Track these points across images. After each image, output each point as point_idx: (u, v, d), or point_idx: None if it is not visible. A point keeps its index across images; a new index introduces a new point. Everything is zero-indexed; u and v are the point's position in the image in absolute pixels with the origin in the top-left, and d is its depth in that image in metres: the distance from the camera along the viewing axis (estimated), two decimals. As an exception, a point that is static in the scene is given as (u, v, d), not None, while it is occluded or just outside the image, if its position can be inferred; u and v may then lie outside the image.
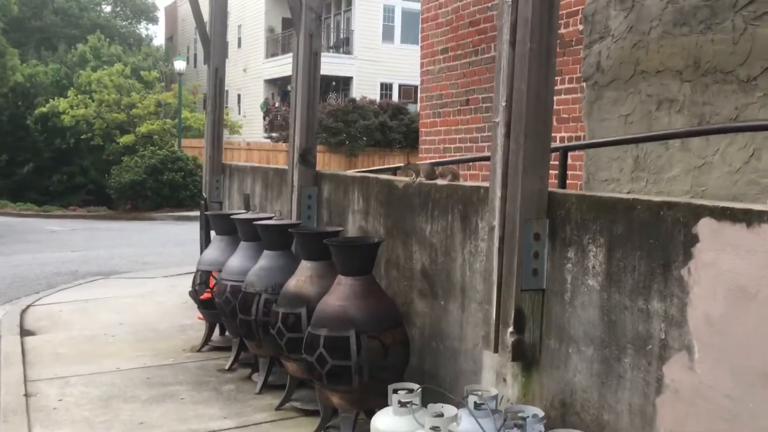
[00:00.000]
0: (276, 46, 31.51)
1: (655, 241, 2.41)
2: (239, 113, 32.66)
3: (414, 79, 30.60)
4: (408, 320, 3.80)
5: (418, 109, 8.24)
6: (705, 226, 2.24)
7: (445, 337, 3.57)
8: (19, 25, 32.55)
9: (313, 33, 4.90)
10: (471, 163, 6.62)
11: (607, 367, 2.60)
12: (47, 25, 35.94)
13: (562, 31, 6.04)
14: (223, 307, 4.73)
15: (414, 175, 3.84)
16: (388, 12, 30.14)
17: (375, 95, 27.99)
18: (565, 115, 5.97)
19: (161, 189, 19.83)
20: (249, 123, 30.50)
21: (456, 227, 3.49)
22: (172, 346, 5.44)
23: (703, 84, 4.89)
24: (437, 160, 6.21)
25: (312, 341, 3.44)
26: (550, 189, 2.90)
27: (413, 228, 3.84)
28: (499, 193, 2.92)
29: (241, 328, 4.45)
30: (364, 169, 5.71)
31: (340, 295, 3.45)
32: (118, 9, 43.00)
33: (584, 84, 5.85)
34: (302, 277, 3.94)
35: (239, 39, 33.81)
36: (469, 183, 3.48)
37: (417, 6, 30.47)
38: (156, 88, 26.82)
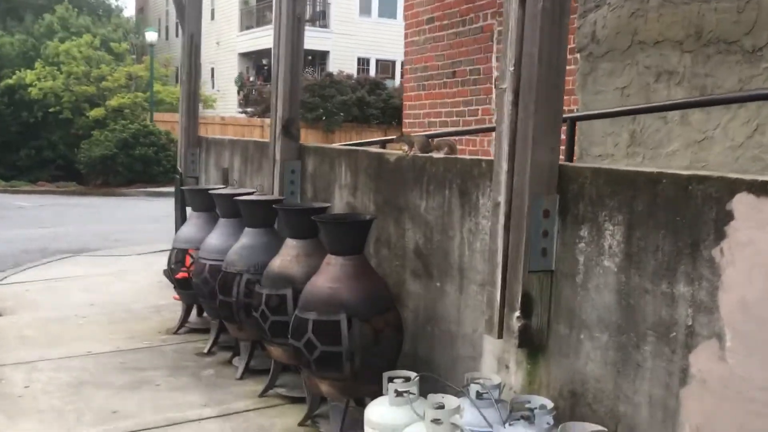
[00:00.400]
0: (251, 18, 30.86)
1: (681, 218, 2.20)
2: (213, 87, 32.02)
3: (392, 53, 30.29)
4: (400, 302, 3.57)
5: (402, 81, 7.97)
6: (741, 202, 2.04)
7: (442, 321, 3.36)
8: (-17, -6, 31.48)
9: (297, -4, 4.61)
10: (464, 137, 6.38)
11: (624, 355, 2.40)
12: (13, -5, 34.78)
13: (555, -1, 5.80)
14: (201, 288, 4.47)
15: (408, 148, 3.60)
16: (366, -15, 29.63)
17: (352, 70, 27.57)
18: (557, 88, 5.76)
19: (133, 164, 19.33)
20: (223, 98, 29.91)
21: (454, 203, 3.26)
22: (147, 328, 5.16)
23: (705, 55, 4.69)
24: (431, 132, 5.92)
25: (299, 325, 3.21)
26: (560, 162, 2.68)
27: (406, 204, 3.60)
28: (505, 166, 2.69)
29: (221, 310, 4.20)
30: (350, 143, 5.45)
31: (329, 276, 3.21)
32: (87, -21, 41.72)
33: (578, 55, 5.63)
34: (287, 257, 3.69)
35: (212, 11, 33.03)
36: (468, 156, 3.24)
37: (395, -21, 30.00)
38: (127, 61, 26.10)
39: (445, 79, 7.14)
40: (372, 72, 29.08)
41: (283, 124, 4.67)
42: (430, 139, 3.58)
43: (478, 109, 6.70)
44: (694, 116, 4.80)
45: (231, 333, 4.31)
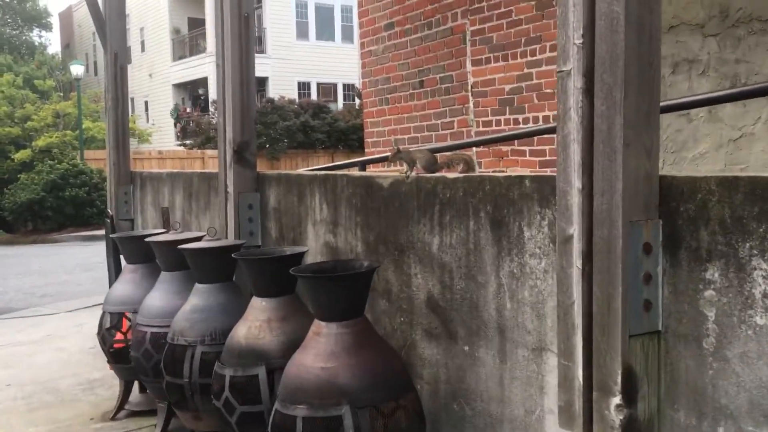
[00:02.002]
0: (183, 47, 29.70)
1: None
2: (148, 121, 30.63)
3: (333, 76, 29.49)
4: (411, 372, 2.68)
5: (362, 96, 7.13)
6: None
7: (475, 398, 2.47)
8: None
9: (242, -10, 3.71)
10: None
11: (804, 459, 1.56)
12: (-74, 36, 32.85)
13: (540, -11, 5.06)
14: (142, 364, 3.48)
15: (407, 168, 2.73)
16: (301, 8, 28.83)
17: (293, 95, 26.66)
18: (548, 90, 5.00)
19: (63, 207, 17.90)
20: (159, 131, 28.55)
21: (484, 238, 2.39)
22: (76, 414, 4.12)
23: (735, 37, 3.97)
24: (437, 145, 4.92)
25: (283, 425, 2.27)
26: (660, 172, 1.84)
27: (410, 241, 2.72)
28: (577, 183, 1.84)
29: (170, 393, 3.22)
30: (320, 166, 4.56)
31: (321, 351, 2.29)
32: (7, 17, 39.85)
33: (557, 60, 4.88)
34: (255, 322, 2.76)
35: (142, 42, 31.74)
36: (500, 172, 2.39)
37: (330, 1, 29.32)
38: (53, 98, 24.61)
39: (411, 90, 6.32)
40: (314, 96, 28.22)
41: (235, 148, 3.74)
42: (435, 154, 2.72)
43: (452, 121, 5.89)
44: (725, 111, 4.07)
45: (185, 424, 3.32)
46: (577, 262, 1.86)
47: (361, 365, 2.26)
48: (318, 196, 3.31)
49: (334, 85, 29.46)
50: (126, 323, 3.95)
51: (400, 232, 2.77)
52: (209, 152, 21.28)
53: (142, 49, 31.71)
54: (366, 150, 6.93)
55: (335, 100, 28.65)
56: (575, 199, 1.85)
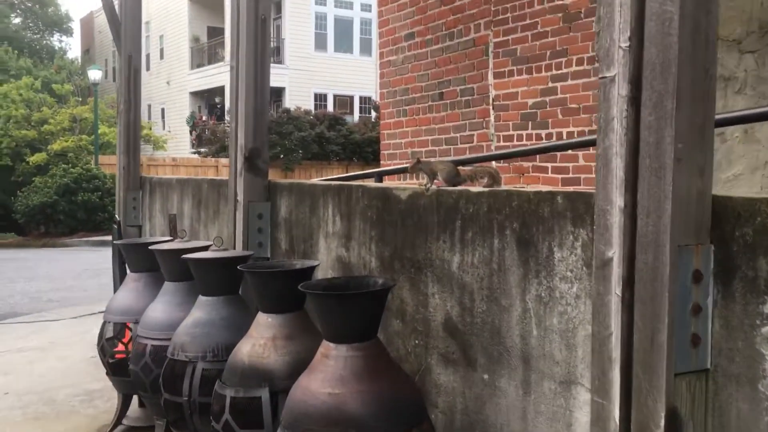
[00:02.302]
0: (202, 56, 29.77)
1: None
2: (164, 128, 30.68)
3: (349, 89, 29.41)
4: (425, 399, 2.49)
5: (379, 108, 6.99)
6: None
7: (494, 431, 2.28)
8: None
9: (259, -9, 3.58)
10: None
11: None
12: (-52, 37, 33.15)
13: (566, 0, 4.89)
14: (141, 378, 3.32)
15: (427, 180, 2.55)
16: (320, 20, 28.85)
17: (309, 106, 26.61)
18: (573, 105, 4.82)
19: (75, 211, 17.85)
20: (174, 138, 28.58)
21: (509, 258, 2.21)
22: (72, 427, 3.95)
23: (775, 54, 3.77)
24: (460, 157, 4.68)
25: (286, 455, 2.09)
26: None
27: (428, 258, 2.54)
28: (619, 201, 1.66)
29: (168, 412, 3.05)
30: (335, 177, 4.38)
31: (329, 375, 2.11)
32: (29, 21, 40.19)
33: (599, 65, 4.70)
34: (260, 339, 2.58)
35: (161, 50, 31.87)
36: (528, 188, 2.21)
37: (350, 13, 29.32)
38: (70, 102, 24.67)
39: (430, 102, 6.16)
40: (330, 107, 28.17)
41: (246, 155, 3.59)
42: (457, 167, 2.54)
43: (472, 135, 5.72)
44: (763, 131, 3.86)
45: (183, 444, 3.15)
46: (616, 288, 1.67)
47: (371, 392, 2.07)
48: (331, 208, 3.14)
49: (351, 98, 29.40)
50: (128, 334, 3.79)
51: (418, 248, 2.60)
52: (223, 161, 21.21)
53: (161, 57, 31.83)
54: (382, 162, 6.77)
55: (351, 113, 28.57)
56: (616, 219, 1.67)
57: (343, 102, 29.40)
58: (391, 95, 6.61)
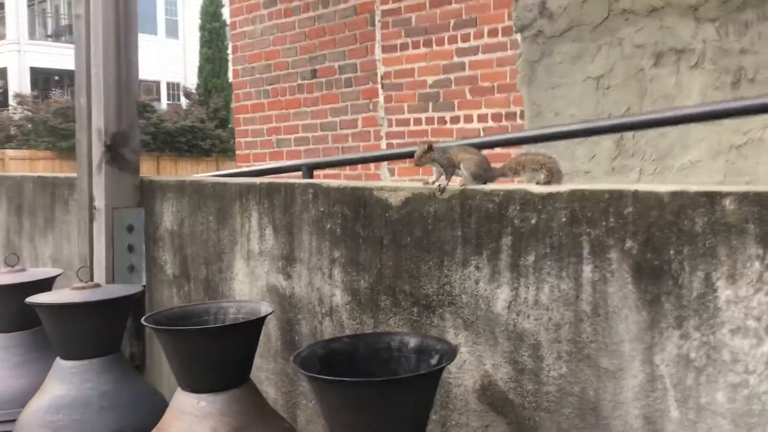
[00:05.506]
0: None
1: None
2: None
3: (155, 74, 27.07)
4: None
5: (232, 86, 5.93)
6: None
7: None
8: None
9: None
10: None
11: None
12: None
13: (477, -38, 4.20)
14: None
15: (438, 175, 1.70)
16: (119, -4, 26.26)
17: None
18: (485, 84, 4.16)
19: None
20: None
21: (617, 294, 1.43)
22: None
23: (740, 23, 3.35)
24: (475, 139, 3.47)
25: None
26: None
27: (446, 292, 1.70)
28: None
29: None
30: (232, 171, 3.29)
31: None
32: None
33: (518, 36, 4.09)
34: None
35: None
36: (644, 186, 1.44)
37: (158, -10, 26.91)
38: None
39: (300, 81, 5.22)
40: (134, 94, 25.74)
41: (108, 142, 2.49)
42: (485, 156, 1.71)
43: (356, 119, 4.88)
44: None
45: None
46: None
47: None
48: (256, 216, 2.17)
49: (157, 83, 27.22)
50: None
51: (425, 276, 1.74)
52: (10, 152, 18.47)
53: None
54: (238, 152, 5.72)
55: (159, 100, 26.42)
56: None
57: (148, 88, 27.11)
58: (247, 72, 5.57)
